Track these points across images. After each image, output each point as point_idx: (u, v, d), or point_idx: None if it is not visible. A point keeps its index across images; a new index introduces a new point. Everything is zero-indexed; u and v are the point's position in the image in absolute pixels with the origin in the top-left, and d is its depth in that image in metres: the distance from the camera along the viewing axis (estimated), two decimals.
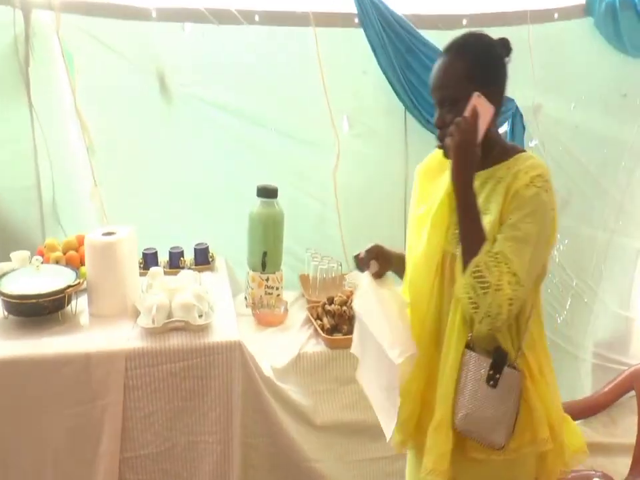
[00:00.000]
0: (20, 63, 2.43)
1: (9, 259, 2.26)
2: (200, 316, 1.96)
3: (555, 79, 2.87)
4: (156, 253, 2.39)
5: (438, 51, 2.64)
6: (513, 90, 2.82)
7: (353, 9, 2.54)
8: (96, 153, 2.57)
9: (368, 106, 2.78)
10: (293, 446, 2.06)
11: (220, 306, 2.10)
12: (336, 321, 2.24)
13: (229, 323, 2.04)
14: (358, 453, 2.20)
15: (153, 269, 2.17)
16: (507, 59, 1.44)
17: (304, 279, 2.61)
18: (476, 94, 1.33)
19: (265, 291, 2.37)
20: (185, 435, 1.95)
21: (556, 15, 2.78)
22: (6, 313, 1.96)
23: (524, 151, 1.44)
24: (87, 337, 1.93)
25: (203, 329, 1.94)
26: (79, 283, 1.98)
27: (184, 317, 1.91)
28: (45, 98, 2.53)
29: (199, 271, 2.33)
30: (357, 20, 2.56)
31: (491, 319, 1.28)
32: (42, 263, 2.09)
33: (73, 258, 2.23)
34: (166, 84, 2.52)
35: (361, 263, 1.57)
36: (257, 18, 2.46)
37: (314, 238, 2.79)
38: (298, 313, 2.40)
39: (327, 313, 2.27)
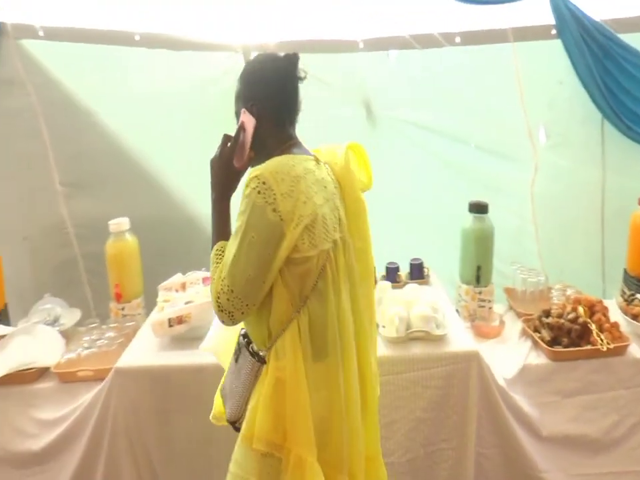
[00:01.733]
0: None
1: None
2: (437, 327, 2.03)
3: None
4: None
5: (638, 54, 2.64)
6: None
7: (550, 20, 2.56)
8: None
9: (564, 116, 2.76)
10: (524, 456, 2.07)
11: (448, 318, 2.16)
12: (555, 333, 2.22)
13: (462, 334, 2.10)
14: (582, 466, 2.16)
15: (381, 283, 2.28)
16: (298, 73, 1.52)
17: (509, 292, 2.61)
18: (242, 110, 1.46)
19: (478, 304, 2.41)
20: (424, 446, 2.03)
21: None
22: None
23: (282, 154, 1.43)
24: None
25: (441, 339, 2.01)
26: None
27: (423, 327, 1.99)
28: None
29: None
30: (554, 31, 2.58)
31: (214, 308, 1.37)
32: None
33: None
34: (371, 109, 2.66)
35: None
36: (457, 39, 2.55)
37: (511, 252, 2.79)
38: (510, 325, 2.41)
39: (545, 325, 2.26)
